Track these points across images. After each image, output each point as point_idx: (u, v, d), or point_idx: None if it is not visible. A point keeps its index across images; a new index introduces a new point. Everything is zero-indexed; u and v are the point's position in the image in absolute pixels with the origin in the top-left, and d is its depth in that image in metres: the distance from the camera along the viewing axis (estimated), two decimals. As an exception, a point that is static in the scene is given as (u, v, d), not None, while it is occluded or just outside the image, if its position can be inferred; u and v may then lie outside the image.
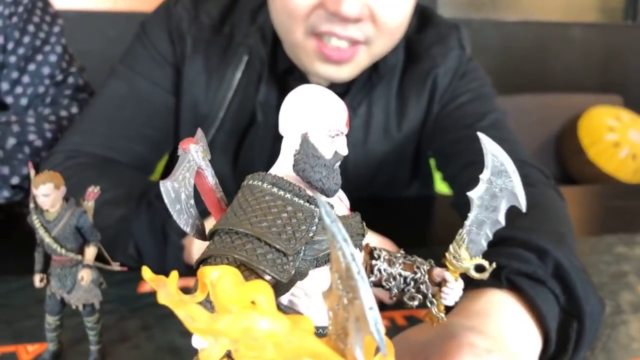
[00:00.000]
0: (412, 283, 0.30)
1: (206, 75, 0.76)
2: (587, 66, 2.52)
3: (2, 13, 0.84)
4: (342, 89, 0.74)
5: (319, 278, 0.23)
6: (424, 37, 0.79)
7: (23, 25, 0.86)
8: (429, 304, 0.31)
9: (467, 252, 0.30)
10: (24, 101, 0.84)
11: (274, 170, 0.24)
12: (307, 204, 0.21)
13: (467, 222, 0.31)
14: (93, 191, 0.46)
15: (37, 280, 0.46)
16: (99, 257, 0.46)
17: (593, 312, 0.44)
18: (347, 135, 0.67)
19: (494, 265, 0.31)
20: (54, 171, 0.43)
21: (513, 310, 0.43)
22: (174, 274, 0.17)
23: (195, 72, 0.76)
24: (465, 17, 2.44)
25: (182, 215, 0.24)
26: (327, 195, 0.23)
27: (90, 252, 0.45)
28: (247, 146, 0.79)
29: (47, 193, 0.42)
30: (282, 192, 0.21)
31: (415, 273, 0.30)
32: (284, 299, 0.23)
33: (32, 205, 0.44)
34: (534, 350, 0.43)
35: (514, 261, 0.45)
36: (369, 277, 0.30)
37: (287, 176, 0.23)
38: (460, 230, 0.31)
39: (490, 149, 0.31)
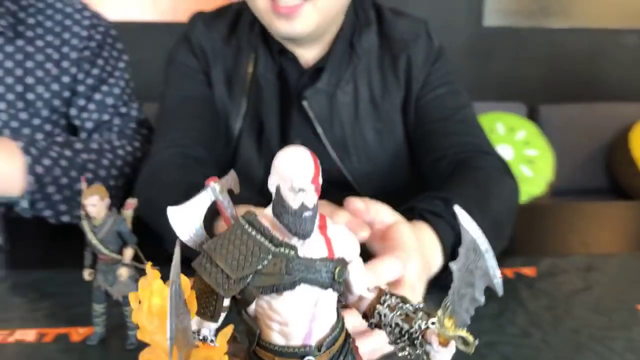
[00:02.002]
0: (407, 335, 0.30)
1: (225, 75, 0.92)
2: (641, 74, 2.43)
3: (77, 46, 0.97)
4: (320, 64, 0.87)
5: (286, 306, 0.27)
6: (396, 24, 0.91)
7: (94, 58, 0.99)
8: None
9: (450, 321, 0.29)
10: (89, 124, 0.97)
11: (266, 210, 0.29)
12: (268, 242, 0.27)
13: (450, 292, 0.30)
14: (131, 203, 0.55)
15: (86, 274, 0.56)
16: (136, 258, 0.55)
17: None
18: (339, 115, 0.84)
19: (476, 342, 0.30)
20: (157, 169, 0.51)
21: (426, 233, 0.63)
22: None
23: (217, 76, 0.92)
24: (514, 25, 2.42)
25: (186, 235, 0.31)
26: (299, 238, 0.28)
27: (128, 253, 0.54)
28: (265, 127, 0.92)
29: (94, 203, 0.52)
30: (250, 229, 0.27)
31: (412, 327, 0.30)
32: (251, 310, 0.29)
33: (82, 213, 0.53)
34: (438, 261, 0.63)
35: (425, 204, 0.66)
36: (370, 318, 0.32)
37: (273, 218, 0.28)
38: (446, 298, 0.30)
39: (465, 224, 0.28)
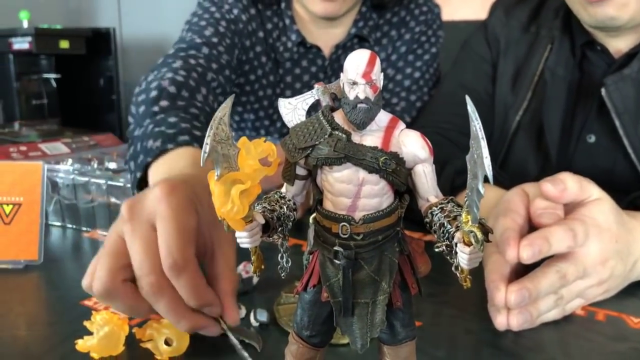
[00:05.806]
0: (446, 235, 0.32)
1: (513, 67, 0.91)
2: None
3: (406, 40, 1.05)
4: (634, 50, 0.78)
5: (335, 178, 0.32)
6: None
7: (410, 44, 1.06)
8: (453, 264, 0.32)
9: (468, 217, 0.29)
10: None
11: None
12: (327, 125, 0.33)
13: (467, 187, 0.30)
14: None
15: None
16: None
17: None
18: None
19: (484, 238, 0.29)
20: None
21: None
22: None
23: (505, 68, 0.91)
24: None
25: (291, 123, 0.38)
26: (355, 127, 0.33)
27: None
28: (546, 125, 0.86)
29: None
30: (321, 116, 0.34)
31: (451, 227, 0.31)
32: (317, 181, 0.35)
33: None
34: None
35: None
36: (425, 218, 0.33)
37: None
38: (466, 193, 0.30)
39: (471, 111, 0.29)
